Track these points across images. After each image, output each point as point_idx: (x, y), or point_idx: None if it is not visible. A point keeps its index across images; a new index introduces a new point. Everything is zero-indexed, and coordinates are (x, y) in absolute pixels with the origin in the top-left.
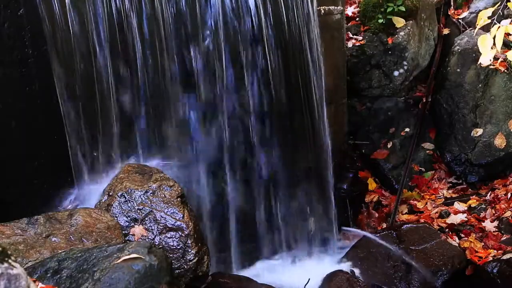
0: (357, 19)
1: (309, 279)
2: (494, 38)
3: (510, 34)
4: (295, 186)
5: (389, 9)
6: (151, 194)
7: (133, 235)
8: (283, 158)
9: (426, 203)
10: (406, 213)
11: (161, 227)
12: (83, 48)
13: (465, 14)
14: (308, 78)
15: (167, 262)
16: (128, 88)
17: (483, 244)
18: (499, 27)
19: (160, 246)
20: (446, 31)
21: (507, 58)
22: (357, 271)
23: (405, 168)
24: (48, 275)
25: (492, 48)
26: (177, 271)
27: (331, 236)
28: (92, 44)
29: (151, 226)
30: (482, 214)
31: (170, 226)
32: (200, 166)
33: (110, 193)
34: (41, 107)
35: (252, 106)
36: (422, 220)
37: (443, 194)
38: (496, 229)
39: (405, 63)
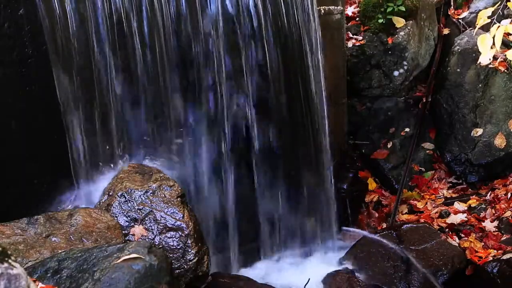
0: (357, 19)
1: (309, 279)
2: (493, 37)
3: (510, 34)
4: (295, 186)
5: (389, 9)
6: (151, 194)
7: (133, 235)
8: (283, 158)
9: (426, 203)
10: (406, 213)
11: (161, 227)
12: (83, 48)
13: (465, 14)
14: (308, 79)
15: (167, 262)
16: (128, 87)
17: (483, 244)
18: (498, 26)
19: (160, 246)
20: (446, 31)
21: (506, 58)
22: (357, 271)
23: (405, 168)
24: (48, 275)
25: (492, 47)
26: (177, 271)
27: (331, 236)
28: (92, 43)
29: (151, 226)
30: (482, 214)
31: (170, 226)
32: (201, 167)
33: (110, 193)
34: (41, 107)
35: (252, 107)
36: (422, 220)
37: (443, 194)
38: (496, 229)
39: (405, 63)
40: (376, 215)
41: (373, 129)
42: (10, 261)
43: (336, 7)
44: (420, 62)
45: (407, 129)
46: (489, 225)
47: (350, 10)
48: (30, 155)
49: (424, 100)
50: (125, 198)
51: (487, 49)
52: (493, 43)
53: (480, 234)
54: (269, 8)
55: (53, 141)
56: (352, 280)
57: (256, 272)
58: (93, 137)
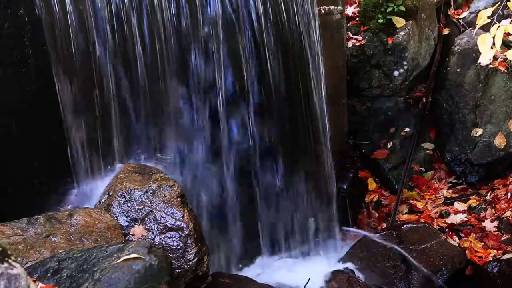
0: (357, 19)
1: (309, 279)
2: (493, 37)
3: (510, 34)
4: (296, 187)
5: (389, 9)
6: (151, 194)
7: (133, 235)
8: (283, 158)
9: (426, 203)
10: (406, 213)
11: (161, 227)
12: (83, 47)
13: (465, 14)
14: (308, 79)
15: (167, 262)
16: (128, 87)
17: (483, 244)
18: (498, 26)
19: (160, 246)
20: (446, 31)
21: (506, 58)
22: (357, 271)
23: (405, 168)
24: (48, 275)
25: (492, 47)
26: (177, 271)
27: (331, 236)
28: (92, 43)
29: (151, 226)
30: (482, 214)
31: (170, 226)
32: (201, 166)
33: (110, 193)
34: (41, 107)
35: (252, 107)
36: (422, 220)
37: (443, 194)
38: (496, 229)
39: (405, 63)
40: (376, 215)
41: (373, 129)
42: (10, 261)
43: (336, 7)
44: (420, 62)
45: (407, 129)
46: (489, 225)
47: (350, 10)
48: (30, 155)
49: (424, 100)
50: (125, 198)
51: (487, 49)
52: (493, 43)
53: (480, 234)
54: (269, 8)
55: (53, 141)
56: (352, 280)
57: (256, 272)
58: (93, 137)
